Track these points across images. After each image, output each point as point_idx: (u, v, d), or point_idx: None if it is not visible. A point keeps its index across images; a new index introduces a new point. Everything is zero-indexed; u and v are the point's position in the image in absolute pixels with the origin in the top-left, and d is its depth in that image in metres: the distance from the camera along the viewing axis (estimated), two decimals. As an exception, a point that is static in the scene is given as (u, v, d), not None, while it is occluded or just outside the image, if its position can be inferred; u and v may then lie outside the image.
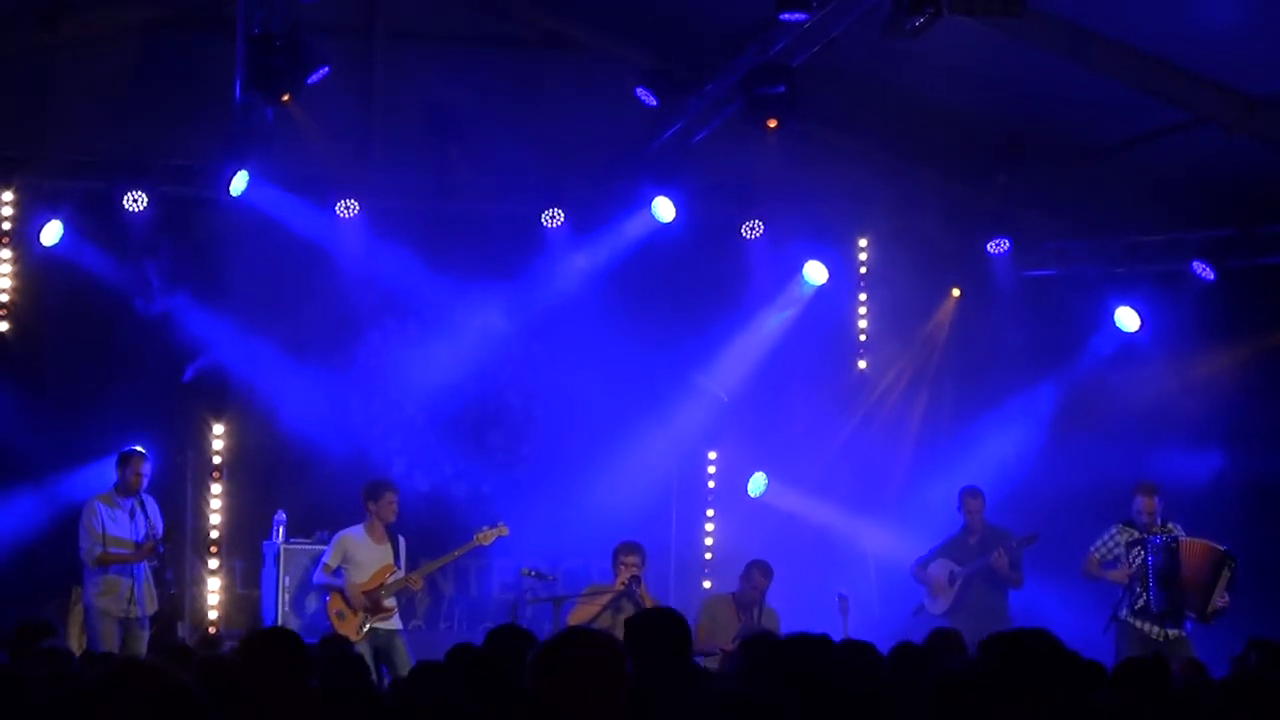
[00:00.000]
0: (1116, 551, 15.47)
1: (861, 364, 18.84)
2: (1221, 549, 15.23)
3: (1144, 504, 15.38)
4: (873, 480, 18.04)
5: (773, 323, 18.21)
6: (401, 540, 15.59)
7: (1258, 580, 15.71)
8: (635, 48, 17.46)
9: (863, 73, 16.47)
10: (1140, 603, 15.24)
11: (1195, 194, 16.94)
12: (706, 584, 17.80)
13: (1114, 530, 15.53)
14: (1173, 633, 15.17)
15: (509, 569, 17.18)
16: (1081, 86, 15.80)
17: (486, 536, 15.63)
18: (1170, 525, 15.44)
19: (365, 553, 15.34)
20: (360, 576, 15.25)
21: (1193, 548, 15.33)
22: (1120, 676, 8.06)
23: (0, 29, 16.41)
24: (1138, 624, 15.23)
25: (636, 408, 17.33)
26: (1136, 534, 15.38)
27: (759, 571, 15.23)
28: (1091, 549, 15.55)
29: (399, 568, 15.42)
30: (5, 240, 16.54)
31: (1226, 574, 15.15)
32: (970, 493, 16.32)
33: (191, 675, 6.89)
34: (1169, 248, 17.35)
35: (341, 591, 15.20)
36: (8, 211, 16.54)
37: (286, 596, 15.90)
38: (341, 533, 15.43)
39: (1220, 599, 15.13)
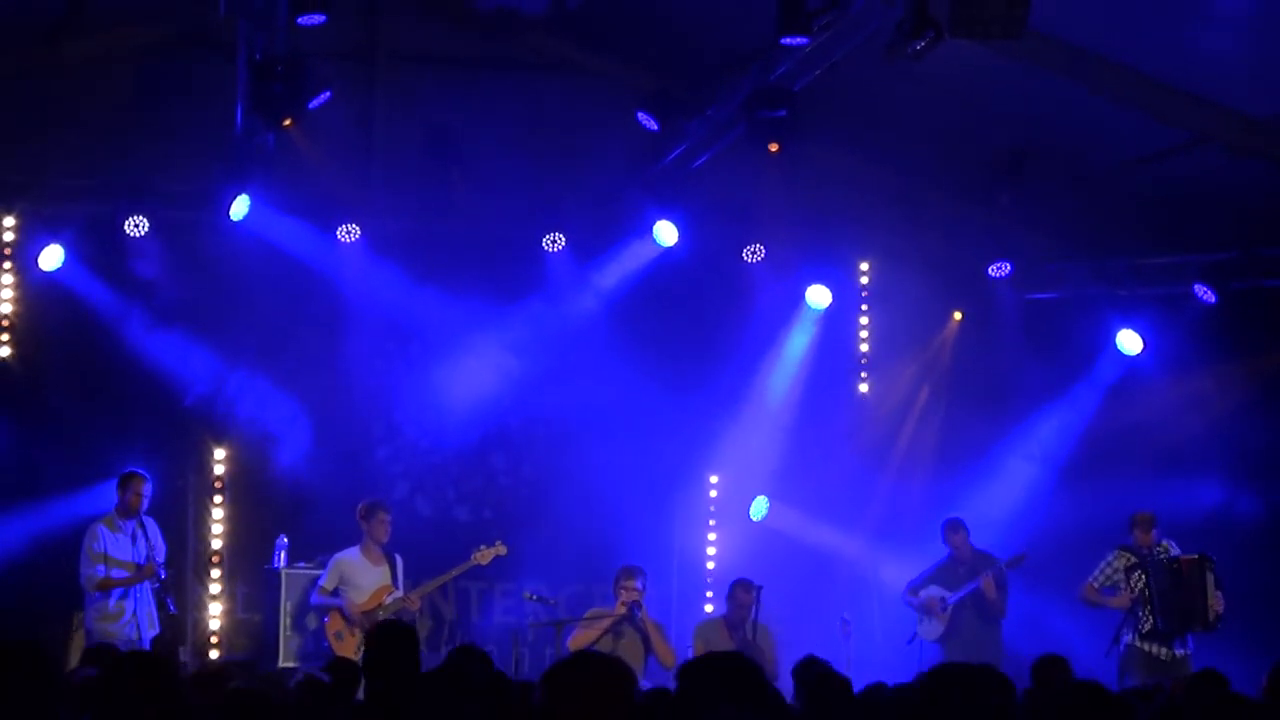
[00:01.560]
0: (1116, 578, 15.46)
1: (863, 387, 18.84)
2: (1195, 555, 15.26)
3: (1141, 538, 15.40)
4: (874, 503, 18.02)
5: (774, 347, 18.20)
6: (399, 560, 15.57)
7: (1261, 604, 15.71)
8: (637, 71, 17.47)
9: (864, 96, 16.47)
10: (1147, 626, 15.23)
11: (1197, 216, 16.93)
12: (709, 608, 17.75)
13: (1111, 557, 15.53)
14: (1179, 653, 15.21)
15: (511, 593, 17.18)
16: (1083, 108, 15.80)
17: (484, 556, 15.59)
18: (1164, 544, 15.46)
19: (362, 574, 15.34)
20: (358, 598, 15.24)
21: (1186, 565, 15.36)
22: None
23: (2, 52, 16.42)
24: (1145, 647, 15.23)
25: (638, 430, 17.30)
26: (1134, 558, 15.38)
27: (741, 589, 15.30)
28: (1090, 577, 15.55)
29: (396, 588, 15.41)
30: (6, 264, 16.53)
31: (1210, 576, 15.22)
32: (950, 527, 16.26)
33: None
34: (1171, 270, 17.33)
35: (341, 611, 15.19)
36: (9, 236, 16.54)
37: (288, 620, 15.86)
38: (338, 555, 15.44)
39: (1216, 602, 15.16)
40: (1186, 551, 15.38)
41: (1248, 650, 13.95)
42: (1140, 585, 15.28)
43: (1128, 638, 15.31)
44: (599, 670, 5.12)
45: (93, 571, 14.83)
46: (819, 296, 18.21)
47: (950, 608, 16.01)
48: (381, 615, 15.20)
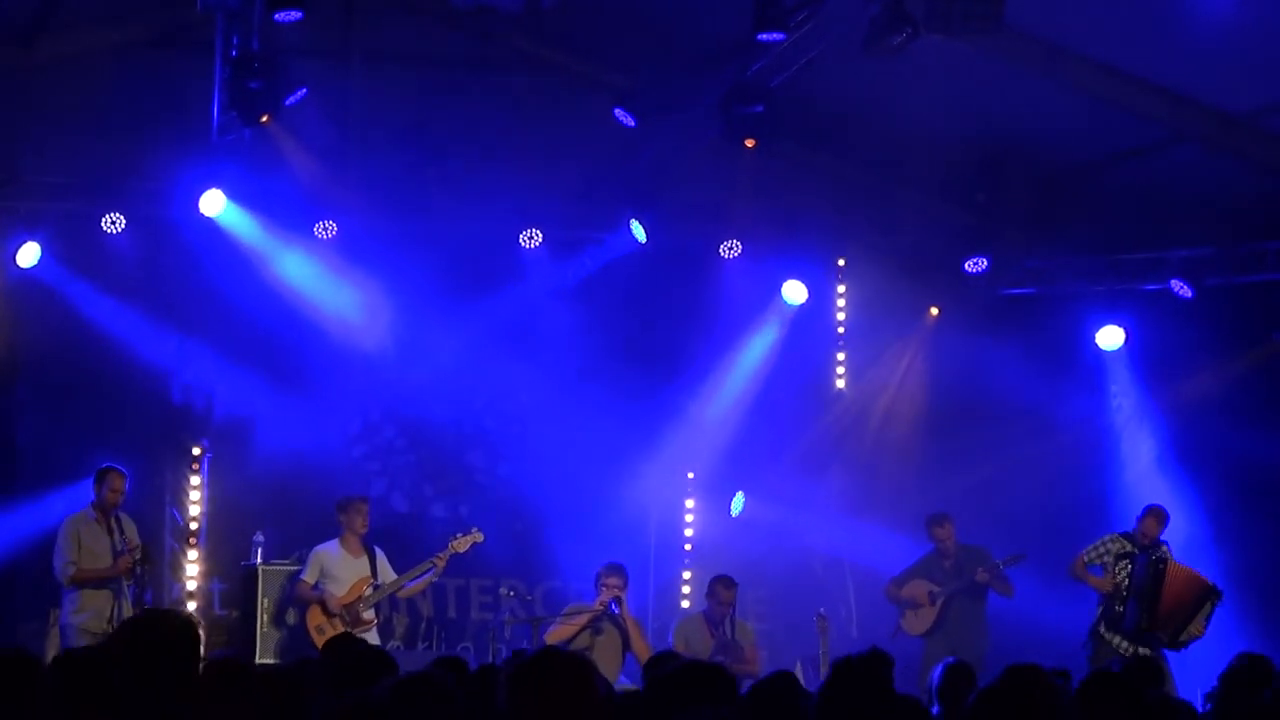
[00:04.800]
0: (1105, 559, 15.50)
1: (840, 383, 18.84)
2: (1209, 583, 15.27)
3: (1152, 528, 15.42)
4: (850, 500, 18.01)
5: (751, 342, 18.21)
6: (380, 552, 15.52)
7: (1239, 597, 15.78)
8: (613, 70, 17.45)
9: (841, 92, 16.49)
10: (1114, 616, 15.28)
11: (1175, 212, 16.95)
12: (685, 604, 17.76)
13: (1107, 538, 15.56)
14: (1142, 650, 15.14)
15: (488, 589, 17.18)
16: (1060, 105, 15.85)
17: (461, 543, 15.47)
18: (1162, 545, 15.49)
19: (341, 567, 15.33)
20: (337, 590, 15.22)
21: (1179, 574, 15.38)
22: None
23: (-23, 51, 16.41)
24: (1108, 636, 15.29)
25: (615, 427, 17.28)
26: (1129, 547, 15.42)
27: (722, 586, 15.26)
28: (1082, 552, 15.60)
29: (376, 579, 15.36)
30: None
31: (1208, 608, 15.23)
32: (936, 521, 16.24)
33: None
34: (1149, 266, 17.35)
35: (321, 603, 15.16)
36: (-15, 233, 16.52)
37: (266, 617, 15.83)
38: (317, 548, 15.41)
39: (1196, 628, 15.18)
40: (1181, 555, 15.46)
41: (1222, 647, 14.01)
42: (1124, 575, 15.33)
43: (1099, 627, 15.39)
44: (562, 668, 5.11)
45: (66, 564, 14.78)
46: (795, 292, 18.21)
47: (941, 601, 16.00)
48: (361, 608, 15.20)
